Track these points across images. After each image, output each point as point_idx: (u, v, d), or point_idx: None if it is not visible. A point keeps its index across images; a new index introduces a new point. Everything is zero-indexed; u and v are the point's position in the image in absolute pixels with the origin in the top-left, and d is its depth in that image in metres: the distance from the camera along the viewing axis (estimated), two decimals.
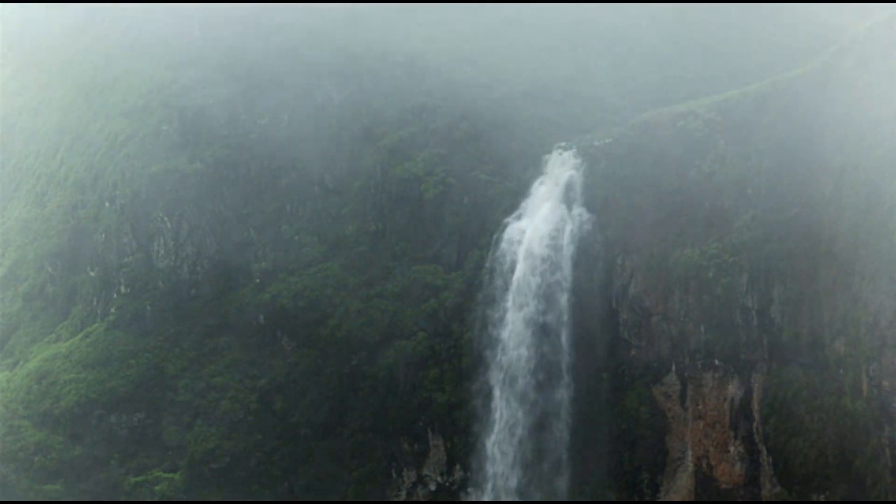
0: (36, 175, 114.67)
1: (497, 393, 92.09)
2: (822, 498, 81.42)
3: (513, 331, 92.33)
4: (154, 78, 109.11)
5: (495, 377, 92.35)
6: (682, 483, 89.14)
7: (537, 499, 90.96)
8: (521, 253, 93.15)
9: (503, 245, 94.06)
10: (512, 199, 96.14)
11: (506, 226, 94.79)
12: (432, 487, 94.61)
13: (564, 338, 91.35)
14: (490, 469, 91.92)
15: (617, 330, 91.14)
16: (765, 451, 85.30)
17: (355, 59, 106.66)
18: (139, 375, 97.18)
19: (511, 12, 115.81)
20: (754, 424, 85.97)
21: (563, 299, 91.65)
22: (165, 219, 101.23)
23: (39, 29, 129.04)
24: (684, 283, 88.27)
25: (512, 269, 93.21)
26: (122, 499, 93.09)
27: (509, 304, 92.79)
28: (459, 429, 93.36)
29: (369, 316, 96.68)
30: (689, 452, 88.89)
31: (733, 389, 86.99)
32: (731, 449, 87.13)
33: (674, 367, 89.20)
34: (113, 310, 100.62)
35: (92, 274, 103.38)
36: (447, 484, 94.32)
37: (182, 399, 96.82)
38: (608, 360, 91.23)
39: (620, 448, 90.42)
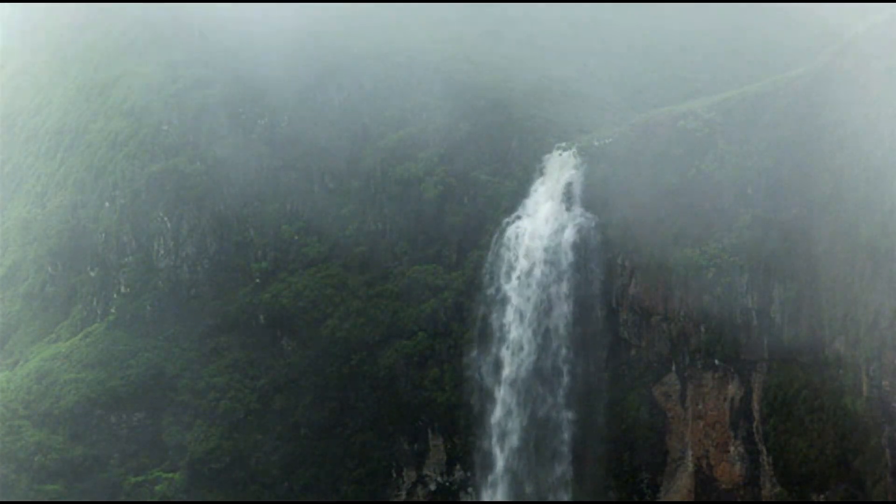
0: (36, 175, 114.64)
1: (497, 393, 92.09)
2: (822, 498, 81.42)
3: (513, 331, 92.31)
4: (154, 78, 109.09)
5: (495, 377, 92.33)
6: (682, 483, 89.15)
7: (537, 498, 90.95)
8: (521, 253, 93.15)
9: (503, 245, 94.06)
10: (512, 199, 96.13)
11: (506, 226, 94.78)
12: (432, 487, 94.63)
13: (564, 338, 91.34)
14: (490, 469, 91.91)
15: (617, 330, 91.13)
16: (765, 451, 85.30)
17: (355, 59, 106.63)
18: (139, 375, 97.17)
19: (511, 12, 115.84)
20: (754, 424, 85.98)
21: (563, 299, 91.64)
22: (165, 219, 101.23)
23: (39, 29, 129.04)
24: (684, 283, 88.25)
25: (512, 269, 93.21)
26: (122, 499, 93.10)
27: (509, 303, 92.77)
28: (459, 429, 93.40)
29: (369, 316, 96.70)
30: (689, 452, 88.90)
31: (733, 389, 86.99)
32: (731, 449, 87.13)
33: (674, 367, 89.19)
34: (113, 310, 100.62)
35: (92, 274, 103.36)
36: (447, 484, 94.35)
37: (182, 399, 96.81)
38: (608, 360, 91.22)
39: (620, 448, 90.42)
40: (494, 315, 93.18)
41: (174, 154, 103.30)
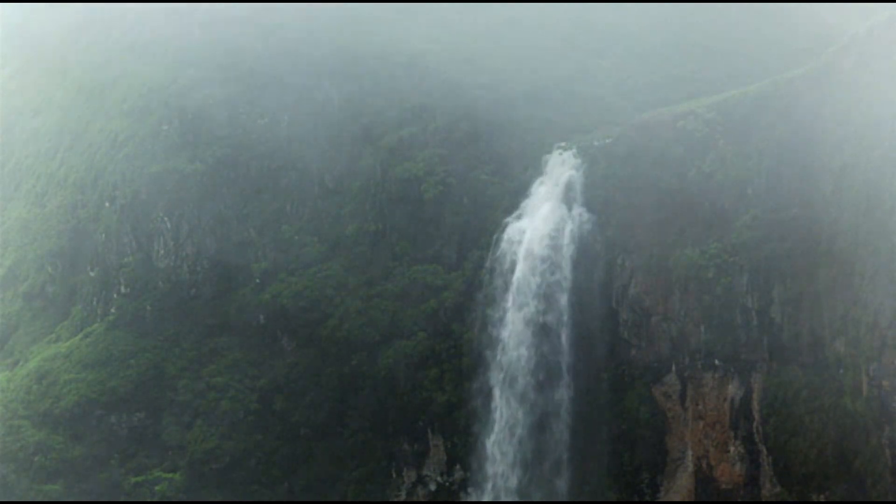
0: (36, 175, 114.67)
1: (497, 393, 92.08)
2: (822, 498, 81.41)
3: (513, 331, 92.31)
4: (154, 78, 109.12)
5: (495, 377, 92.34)
6: (682, 483, 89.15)
7: (537, 499, 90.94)
8: (521, 253, 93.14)
9: (503, 245, 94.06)
10: (512, 199, 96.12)
11: (506, 226, 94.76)
12: (432, 487, 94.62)
13: (564, 338, 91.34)
14: (490, 469, 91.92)
15: (617, 330, 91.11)
16: (765, 451, 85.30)
17: (355, 59, 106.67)
18: (139, 375, 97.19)
19: (511, 12, 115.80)
20: (754, 424, 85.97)
21: (563, 299, 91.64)
22: (165, 219, 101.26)
23: (39, 29, 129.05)
24: (684, 283, 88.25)
25: (512, 269, 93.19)
26: (122, 499, 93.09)
27: (509, 304, 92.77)
28: (459, 429, 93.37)
29: (369, 316, 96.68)
30: (689, 452, 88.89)
31: (733, 389, 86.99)
32: (731, 449, 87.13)
33: (674, 367, 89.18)
34: (113, 310, 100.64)
35: (92, 274, 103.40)
36: (447, 484, 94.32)
37: (182, 399, 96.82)
38: (608, 360, 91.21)
39: (620, 448, 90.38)
40: (495, 315, 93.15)
41: (174, 154, 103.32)
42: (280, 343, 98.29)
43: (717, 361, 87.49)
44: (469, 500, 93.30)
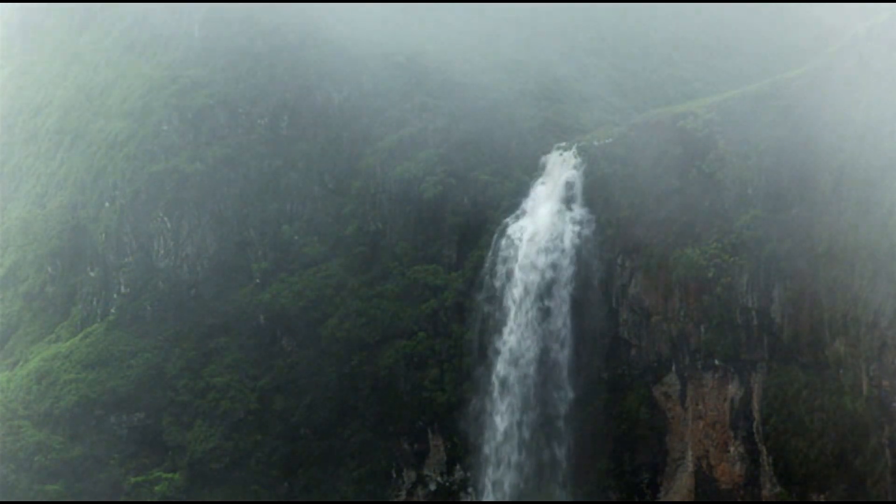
0: (36, 175, 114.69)
1: (497, 393, 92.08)
2: (822, 498, 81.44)
3: (513, 331, 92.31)
4: (154, 78, 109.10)
5: (495, 377, 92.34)
6: (682, 483, 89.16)
7: (537, 498, 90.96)
8: (520, 253, 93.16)
9: (503, 245, 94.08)
10: (512, 199, 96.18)
11: (506, 225, 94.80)
12: (432, 487, 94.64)
13: (564, 338, 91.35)
14: (490, 469, 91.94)
15: (617, 330, 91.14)
16: (765, 451, 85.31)
17: (355, 59, 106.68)
18: (139, 375, 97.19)
19: (511, 12, 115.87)
20: (754, 424, 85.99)
21: (564, 299, 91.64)
22: (165, 219, 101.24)
23: (39, 29, 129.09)
24: (684, 283, 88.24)
25: (512, 269, 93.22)
26: (122, 499, 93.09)
27: (509, 303, 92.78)
28: (459, 429, 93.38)
29: (369, 316, 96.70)
30: (689, 452, 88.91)
31: (733, 389, 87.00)
32: (731, 449, 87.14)
33: (674, 367, 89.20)
34: (113, 310, 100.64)
35: (92, 274, 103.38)
36: (447, 484, 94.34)
37: (182, 399, 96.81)
38: (608, 360, 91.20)
39: (620, 448, 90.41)
40: (495, 315, 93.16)
41: (174, 154, 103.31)
42: (280, 343, 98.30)
43: (717, 361, 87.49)
44: (469, 500, 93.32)
